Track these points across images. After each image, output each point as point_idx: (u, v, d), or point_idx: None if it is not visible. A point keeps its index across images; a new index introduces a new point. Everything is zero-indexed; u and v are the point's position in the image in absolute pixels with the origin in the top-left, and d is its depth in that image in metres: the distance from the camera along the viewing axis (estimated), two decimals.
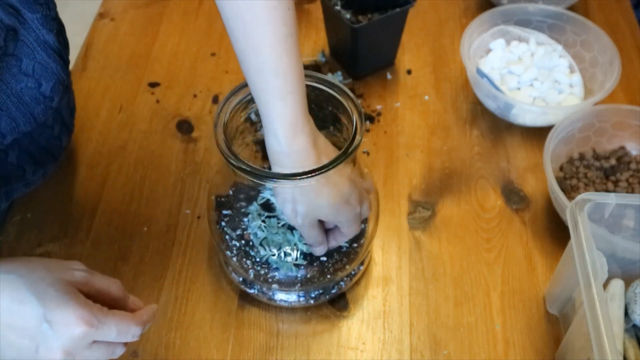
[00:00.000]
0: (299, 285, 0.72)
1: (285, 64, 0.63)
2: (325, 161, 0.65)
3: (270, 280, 0.72)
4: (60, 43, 0.72)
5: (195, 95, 0.98)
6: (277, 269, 0.71)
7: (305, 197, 0.66)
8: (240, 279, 0.76)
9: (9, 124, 0.69)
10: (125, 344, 0.58)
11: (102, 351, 0.56)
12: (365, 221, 0.74)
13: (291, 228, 0.71)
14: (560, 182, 0.83)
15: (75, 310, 0.53)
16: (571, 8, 1.07)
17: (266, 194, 0.71)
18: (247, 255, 0.72)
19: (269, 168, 0.77)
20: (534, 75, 0.95)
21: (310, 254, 0.71)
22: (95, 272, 0.59)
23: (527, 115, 0.91)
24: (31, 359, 0.53)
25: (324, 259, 0.72)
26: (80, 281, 0.56)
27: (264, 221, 0.71)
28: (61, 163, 0.87)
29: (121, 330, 0.55)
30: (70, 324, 0.53)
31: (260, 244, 0.71)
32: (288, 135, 0.64)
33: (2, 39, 0.65)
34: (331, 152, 0.68)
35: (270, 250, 0.70)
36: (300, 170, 0.63)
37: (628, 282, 0.70)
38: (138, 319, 0.57)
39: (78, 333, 0.53)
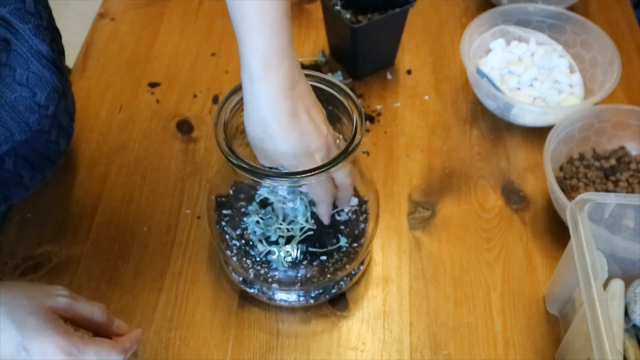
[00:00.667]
0: (299, 285, 0.72)
1: None
2: (302, 117, 0.62)
3: (270, 280, 0.72)
4: (54, 51, 0.71)
5: (195, 95, 0.98)
6: (277, 268, 0.71)
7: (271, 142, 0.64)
8: (240, 278, 0.76)
9: (4, 133, 0.68)
10: None
11: None
12: (365, 221, 0.74)
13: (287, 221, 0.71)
14: (560, 182, 0.83)
15: (54, 339, 0.53)
16: (571, 8, 1.07)
17: (263, 192, 0.71)
18: (247, 255, 0.71)
19: (269, 167, 0.77)
20: (534, 75, 0.95)
21: (310, 253, 0.71)
22: (78, 297, 0.59)
23: (527, 115, 0.91)
24: None
25: (324, 258, 0.72)
26: (62, 307, 0.56)
27: (262, 218, 0.71)
28: (61, 163, 0.87)
29: (101, 358, 0.55)
30: (48, 354, 0.53)
31: (259, 241, 0.71)
32: (259, 70, 0.61)
33: None
34: (311, 105, 0.64)
35: (265, 245, 0.70)
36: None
37: (628, 282, 0.70)
38: (120, 347, 0.57)
39: None
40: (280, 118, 0.62)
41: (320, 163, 0.64)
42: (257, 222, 0.71)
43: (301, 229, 0.70)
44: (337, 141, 0.68)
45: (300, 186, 0.67)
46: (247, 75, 0.62)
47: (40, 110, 0.71)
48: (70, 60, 0.95)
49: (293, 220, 0.70)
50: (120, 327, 0.60)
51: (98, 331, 0.58)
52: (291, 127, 0.62)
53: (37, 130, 0.74)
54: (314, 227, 0.70)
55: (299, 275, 0.71)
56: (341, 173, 0.68)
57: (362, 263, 0.77)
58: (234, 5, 0.63)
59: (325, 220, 0.70)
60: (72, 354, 0.53)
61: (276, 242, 0.70)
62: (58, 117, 0.80)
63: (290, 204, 0.70)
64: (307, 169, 0.64)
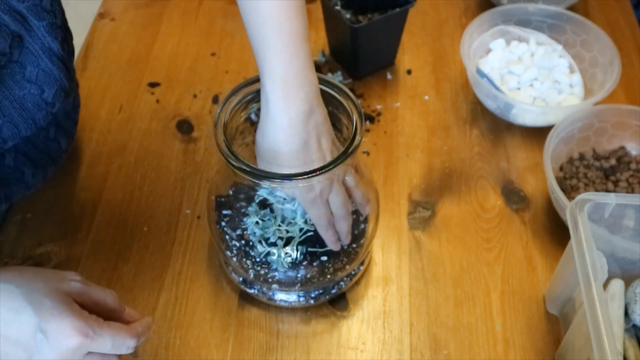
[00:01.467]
0: (299, 285, 0.72)
1: (285, 17, 0.61)
2: (312, 146, 0.63)
3: (270, 280, 0.72)
4: (65, 50, 0.72)
5: (195, 95, 0.98)
6: (277, 269, 0.71)
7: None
8: (240, 279, 0.76)
9: (11, 129, 0.69)
10: (120, 356, 0.58)
11: None
12: (365, 221, 0.74)
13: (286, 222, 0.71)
14: (560, 182, 0.83)
15: (71, 320, 0.53)
16: (571, 8, 1.07)
17: (262, 193, 0.71)
18: (247, 255, 0.72)
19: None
20: (534, 75, 0.95)
21: (309, 254, 0.71)
22: (91, 283, 0.59)
23: (527, 115, 0.91)
24: None
25: (324, 258, 0.72)
26: (76, 292, 0.56)
27: (262, 219, 0.71)
28: (61, 162, 0.87)
29: (116, 342, 0.55)
30: (65, 335, 0.53)
31: (259, 242, 0.71)
32: (278, 97, 0.62)
33: (7, 45, 0.65)
34: (323, 133, 0.65)
35: (265, 246, 0.70)
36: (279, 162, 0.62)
37: (628, 282, 0.70)
38: (133, 331, 0.57)
39: (73, 344, 0.53)
40: (291, 147, 0.63)
41: (319, 194, 0.65)
42: (257, 222, 0.71)
43: (300, 229, 0.70)
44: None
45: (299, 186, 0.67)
46: (265, 99, 0.63)
47: (47, 107, 0.71)
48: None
49: (292, 222, 0.70)
50: (131, 315, 0.60)
51: (110, 317, 0.57)
52: (300, 158, 0.64)
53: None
54: (312, 228, 0.70)
55: (299, 275, 0.71)
56: (347, 178, 0.69)
57: (362, 263, 0.77)
58: (253, 28, 0.63)
59: (333, 246, 0.70)
60: (89, 336, 0.53)
61: (275, 244, 0.70)
62: (56, 115, 0.80)
63: (289, 205, 0.70)
64: (308, 200, 0.65)
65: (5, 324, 0.52)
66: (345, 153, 0.64)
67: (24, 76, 0.68)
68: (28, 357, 0.53)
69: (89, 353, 0.55)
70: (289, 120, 0.62)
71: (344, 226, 0.70)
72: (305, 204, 0.67)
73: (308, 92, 0.63)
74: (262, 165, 0.66)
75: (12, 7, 0.65)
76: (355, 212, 0.74)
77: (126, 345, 0.56)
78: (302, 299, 0.75)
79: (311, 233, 0.70)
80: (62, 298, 0.55)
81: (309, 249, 0.71)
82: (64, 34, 0.73)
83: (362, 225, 0.74)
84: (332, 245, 0.70)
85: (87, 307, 0.56)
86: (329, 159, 0.65)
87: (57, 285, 0.56)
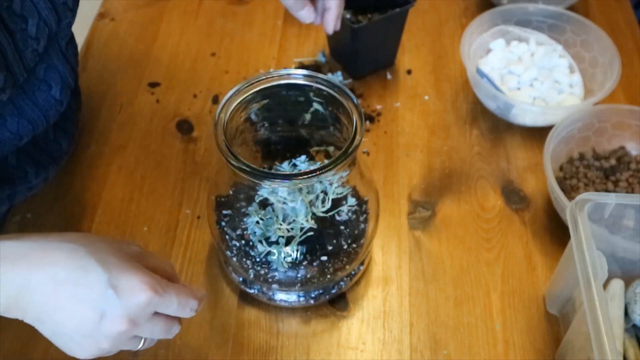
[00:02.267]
0: (299, 285, 0.72)
1: None
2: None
3: (270, 280, 0.72)
4: (69, 49, 0.72)
5: (195, 95, 0.98)
6: (277, 269, 0.71)
7: None
8: (240, 279, 0.76)
9: (26, 126, 0.70)
10: (180, 322, 0.58)
11: (162, 325, 0.56)
12: (365, 221, 0.74)
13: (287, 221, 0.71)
14: (560, 182, 0.83)
15: (140, 276, 0.53)
16: (571, 8, 1.07)
17: (263, 192, 0.71)
18: (247, 255, 0.72)
19: (269, 168, 0.77)
20: (534, 75, 0.95)
21: (310, 254, 0.71)
22: (149, 252, 0.58)
23: (527, 115, 0.91)
24: (93, 330, 0.52)
25: (324, 258, 0.72)
26: (136, 255, 0.56)
27: (262, 219, 0.71)
28: (63, 164, 0.87)
29: (181, 301, 0.55)
30: (135, 290, 0.52)
31: (259, 241, 0.71)
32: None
33: (44, 45, 0.65)
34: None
35: (265, 245, 0.70)
36: None
37: (628, 282, 0.70)
38: (194, 294, 0.57)
39: (143, 299, 0.52)
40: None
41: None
42: (257, 222, 0.71)
43: (301, 229, 0.70)
44: None
45: (300, 188, 0.67)
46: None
47: (56, 104, 0.72)
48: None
49: (293, 221, 0.70)
50: (186, 285, 0.60)
51: None
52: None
53: None
54: (315, 226, 0.69)
55: (299, 275, 0.72)
56: None
57: (362, 263, 0.77)
58: None
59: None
60: (157, 292, 0.53)
61: (276, 242, 0.70)
62: None
63: (291, 204, 0.70)
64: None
65: (74, 282, 0.52)
66: (345, 153, 0.64)
67: (35, 74, 0.68)
68: (98, 315, 0.52)
69: (155, 314, 0.55)
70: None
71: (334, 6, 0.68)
72: None
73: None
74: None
75: (54, 7, 0.66)
76: (355, 213, 0.74)
77: (189, 306, 0.56)
78: (302, 299, 0.75)
79: (312, 233, 0.70)
80: (126, 257, 0.54)
81: (310, 249, 0.71)
82: (71, 33, 0.73)
83: (362, 225, 0.74)
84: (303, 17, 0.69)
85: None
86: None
87: (118, 246, 0.56)
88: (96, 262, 0.52)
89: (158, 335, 0.56)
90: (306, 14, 0.71)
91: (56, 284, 0.52)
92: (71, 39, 0.74)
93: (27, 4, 0.63)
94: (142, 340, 0.57)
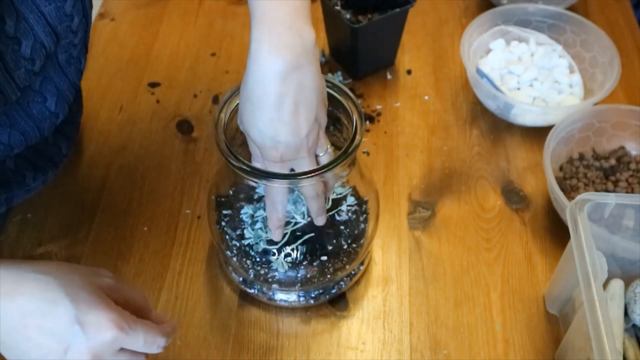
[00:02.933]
0: (299, 285, 0.72)
1: None
2: (286, 109, 0.59)
3: (270, 280, 0.72)
4: (72, 64, 0.72)
5: (195, 95, 0.98)
6: (277, 269, 0.71)
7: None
8: (240, 279, 0.76)
9: (19, 137, 0.69)
10: (146, 356, 0.58)
11: (128, 359, 0.56)
12: (365, 221, 0.74)
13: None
14: (560, 182, 0.83)
15: (108, 313, 0.53)
16: (571, 8, 1.07)
17: (261, 190, 0.71)
18: (247, 255, 0.72)
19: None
20: (533, 76, 0.95)
21: (309, 254, 0.71)
22: (122, 281, 0.59)
23: (527, 115, 0.91)
24: None
25: (324, 258, 0.72)
26: (108, 287, 0.57)
27: (260, 218, 0.71)
28: (62, 167, 0.87)
29: (148, 339, 0.56)
30: (101, 327, 0.53)
31: (257, 242, 0.71)
32: (263, 40, 0.58)
33: (40, 64, 0.65)
34: (304, 100, 0.60)
35: (263, 244, 0.70)
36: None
37: (628, 282, 0.70)
38: (163, 330, 0.58)
39: (109, 337, 0.53)
40: (263, 100, 0.60)
41: (281, 159, 0.61)
42: (257, 221, 0.71)
43: (295, 224, 0.70)
44: (327, 149, 0.66)
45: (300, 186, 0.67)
46: (251, 45, 0.59)
47: (51, 117, 0.71)
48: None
49: (291, 222, 0.70)
50: (157, 317, 0.61)
51: (138, 316, 0.58)
52: (268, 116, 0.60)
53: None
54: (310, 220, 0.69)
55: (299, 275, 0.72)
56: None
57: (362, 263, 0.77)
58: None
59: (319, 220, 0.69)
60: (124, 329, 0.53)
61: (275, 242, 0.70)
62: None
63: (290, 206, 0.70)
64: (268, 158, 0.62)
65: (42, 314, 0.52)
66: (346, 153, 0.64)
67: (29, 86, 0.68)
68: (63, 348, 0.52)
69: (121, 350, 0.55)
70: (267, 68, 0.58)
71: (314, 205, 0.68)
72: (268, 164, 0.64)
73: (297, 44, 0.58)
74: (238, 117, 0.63)
75: (53, 29, 0.65)
76: (355, 213, 0.74)
77: (157, 343, 0.57)
78: (302, 299, 0.75)
79: (312, 233, 0.70)
80: (97, 292, 0.55)
81: (310, 249, 0.71)
82: (80, 51, 0.72)
83: (362, 225, 0.74)
84: (319, 218, 0.68)
85: (119, 304, 0.56)
86: (303, 133, 0.61)
87: (92, 279, 0.56)
88: (65, 296, 0.53)
89: None
90: (278, 235, 0.70)
91: (24, 315, 0.52)
92: (78, 55, 0.72)
93: (22, 26, 0.62)
94: None
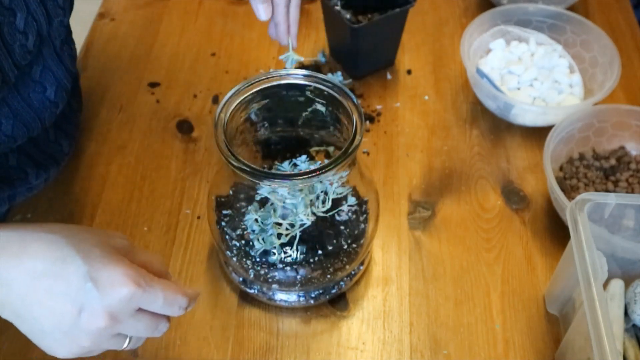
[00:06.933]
0: (299, 285, 0.72)
1: None
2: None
3: (270, 280, 0.72)
4: (64, 49, 0.72)
5: (195, 95, 0.98)
6: (277, 269, 0.71)
7: None
8: (240, 279, 0.76)
9: (21, 128, 0.69)
10: (169, 319, 0.54)
11: (147, 322, 0.52)
12: (365, 221, 0.74)
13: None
14: (560, 182, 0.83)
15: (122, 268, 0.50)
16: (571, 8, 1.07)
17: (263, 192, 0.71)
18: (247, 255, 0.72)
19: (269, 168, 0.77)
20: (533, 75, 0.95)
21: (309, 254, 0.71)
22: (136, 245, 0.55)
23: (527, 115, 0.91)
24: (72, 326, 0.50)
25: (324, 258, 0.72)
26: (123, 249, 0.53)
27: (260, 216, 0.71)
28: (64, 165, 0.87)
29: (168, 298, 0.52)
30: (116, 283, 0.49)
31: (257, 239, 0.70)
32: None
33: (33, 42, 0.65)
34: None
35: (262, 243, 0.70)
36: None
37: (628, 282, 0.70)
38: (184, 291, 0.53)
39: (124, 293, 0.49)
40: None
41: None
42: (256, 219, 0.70)
43: (301, 225, 0.70)
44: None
45: (301, 189, 0.67)
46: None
47: (51, 106, 0.71)
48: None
49: (292, 224, 0.70)
50: (177, 283, 0.56)
51: None
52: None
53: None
54: (314, 219, 0.69)
55: (299, 275, 0.72)
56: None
57: (362, 263, 0.77)
58: None
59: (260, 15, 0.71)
60: (141, 285, 0.50)
61: (276, 238, 0.70)
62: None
63: (290, 201, 0.70)
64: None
65: (52, 274, 0.49)
66: (345, 153, 0.64)
67: (30, 75, 0.68)
68: (76, 310, 0.49)
69: (139, 310, 0.51)
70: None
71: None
72: None
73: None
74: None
75: (43, 4, 0.65)
76: (355, 213, 0.74)
77: (178, 303, 0.52)
78: (302, 299, 0.75)
79: (312, 232, 0.70)
80: (110, 250, 0.51)
81: (309, 249, 0.71)
82: (66, 34, 0.73)
83: (362, 225, 0.74)
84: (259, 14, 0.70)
85: None
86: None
87: (105, 239, 0.53)
88: (76, 254, 0.50)
89: (143, 333, 0.53)
90: (263, 10, 0.71)
91: (34, 277, 0.49)
92: (67, 40, 0.74)
93: None
94: (127, 339, 0.54)
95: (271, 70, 0.93)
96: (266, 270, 0.72)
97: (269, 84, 0.70)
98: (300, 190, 0.68)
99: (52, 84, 0.71)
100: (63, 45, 0.72)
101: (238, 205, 0.73)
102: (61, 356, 0.52)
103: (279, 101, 0.73)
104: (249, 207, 0.71)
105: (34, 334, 0.51)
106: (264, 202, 0.71)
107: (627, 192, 0.84)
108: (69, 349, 0.51)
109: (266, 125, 0.77)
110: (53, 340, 0.51)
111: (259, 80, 0.70)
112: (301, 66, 1.02)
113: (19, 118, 0.68)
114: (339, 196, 0.72)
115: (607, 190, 0.84)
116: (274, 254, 0.70)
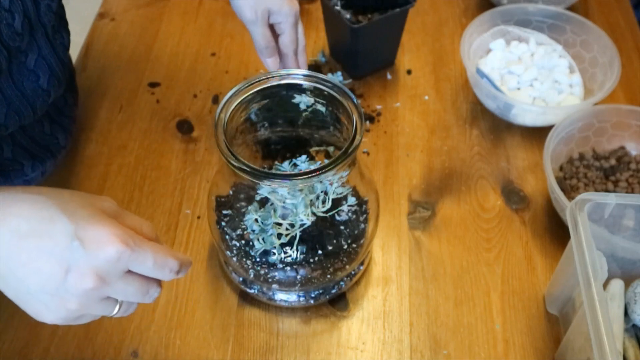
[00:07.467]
0: (299, 285, 0.72)
1: None
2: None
3: (270, 280, 0.72)
4: (57, 38, 0.72)
5: (195, 95, 0.98)
6: (277, 269, 0.71)
7: None
8: (240, 279, 0.76)
9: (13, 116, 0.70)
10: (160, 284, 0.53)
11: (137, 286, 0.50)
12: (365, 221, 0.74)
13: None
14: (560, 182, 0.83)
15: (110, 227, 0.48)
16: (571, 8, 1.07)
17: (263, 192, 0.71)
18: (247, 255, 0.72)
19: (269, 168, 0.77)
20: (533, 75, 0.95)
21: (309, 254, 0.71)
22: (126, 210, 0.54)
23: (527, 115, 0.91)
24: (58, 287, 0.48)
25: (324, 258, 0.72)
26: (111, 212, 0.51)
27: (260, 216, 0.71)
28: (61, 162, 0.87)
29: (158, 260, 0.50)
30: (103, 242, 0.48)
31: (257, 239, 0.70)
32: None
33: (20, 23, 0.64)
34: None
35: (262, 243, 0.70)
36: None
37: (628, 282, 0.70)
38: (175, 254, 0.52)
39: (112, 252, 0.47)
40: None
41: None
42: (256, 219, 0.70)
43: (301, 225, 0.70)
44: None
45: (301, 189, 0.67)
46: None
47: (43, 94, 0.71)
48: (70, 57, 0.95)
49: (292, 224, 0.70)
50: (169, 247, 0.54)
51: None
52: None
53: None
54: (314, 219, 0.69)
55: (299, 275, 0.71)
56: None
57: (362, 263, 0.77)
58: None
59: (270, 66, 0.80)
60: (129, 245, 0.48)
61: (276, 238, 0.70)
62: (48, 110, 0.80)
63: (290, 201, 0.70)
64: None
65: (38, 234, 0.47)
66: (345, 153, 0.64)
67: (24, 64, 0.68)
68: (63, 270, 0.47)
69: (129, 272, 0.50)
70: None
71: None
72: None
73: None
74: None
75: None
76: (355, 213, 0.74)
77: (168, 266, 0.50)
78: (302, 299, 0.75)
79: (312, 231, 0.70)
80: (97, 211, 0.50)
81: (309, 249, 0.71)
82: (58, 20, 0.73)
83: (362, 225, 0.74)
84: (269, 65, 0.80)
85: None
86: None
87: (92, 201, 0.51)
88: (62, 213, 0.48)
89: (133, 297, 0.51)
90: (272, 63, 0.80)
91: (19, 237, 0.48)
92: (59, 28, 0.74)
93: None
94: (117, 305, 0.52)
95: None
96: (266, 270, 0.72)
97: (269, 84, 0.70)
98: (300, 190, 0.68)
99: (45, 72, 0.71)
100: (55, 33, 0.72)
101: (238, 205, 0.73)
102: (49, 321, 0.50)
103: (279, 101, 0.73)
104: (249, 207, 0.71)
105: (19, 297, 0.50)
106: (264, 202, 0.71)
107: (627, 192, 0.84)
108: (56, 312, 0.49)
109: (266, 125, 0.77)
110: (39, 302, 0.49)
111: (259, 80, 0.70)
112: None
113: (11, 106, 0.69)
114: (339, 196, 0.72)
115: (607, 190, 0.84)
116: (274, 254, 0.70)
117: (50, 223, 0.48)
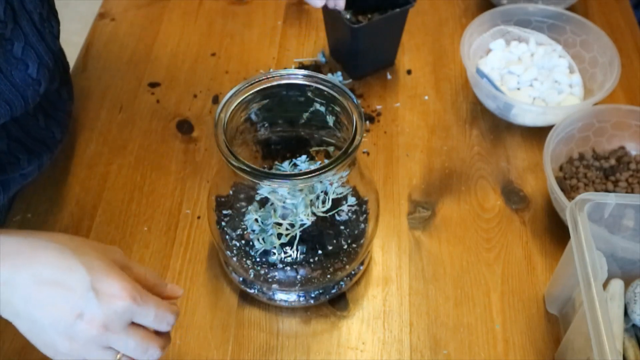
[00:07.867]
0: (299, 285, 0.72)
1: None
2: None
3: (270, 280, 0.72)
4: (44, 25, 0.72)
5: (195, 95, 0.98)
6: (277, 269, 0.71)
7: None
8: (240, 279, 0.76)
9: (4, 107, 0.70)
10: (163, 348, 0.58)
11: (137, 341, 0.56)
12: (365, 221, 0.74)
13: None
14: (560, 182, 0.84)
15: (121, 281, 0.54)
16: (571, 8, 1.07)
17: (263, 192, 0.71)
18: (247, 255, 0.72)
19: (269, 168, 0.77)
20: (533, 76, 0.95)
21: (310, 254, 0.71)
22: (132, 260, 0.60)
23: (527, 115, 0.91)
24: (67, 328, 0.53)
25: (324, 258, 0.72)
26: (120, 262, 0.58)
27: (260, 215, 0.71)
28: (61, 162, 0.87)
29: (159, 315, 0.56)
30: (114, 296, 0.54)
31: (257, 239, 0.71)
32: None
33: (2, 10, 0.64)
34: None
35: (262, 243, 0.70)
36: None
37: (628, 282, 0.70)
38: (173, 308, 0.58)
39: (121, 306, 0.54)
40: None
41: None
42: (256, 219, 0.70)
43: (301, 225, 0.70)
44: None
45: (301, 189, 0.67)
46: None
47: (33, 84, 0.72)
48: (70, 60, 0.95)
49: (292, 224, 0.70)
50: (174, 290, 0.61)
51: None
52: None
53: (23, 113, 0.74)
54: (314, 219, 0.69)
55: (299, 275, 0.72)
56: None
57: (362, 263, 0.77)
58: None
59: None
60: (136, 300, 0.54)
61: (277, 237, 0.70)
62: (42, 104, 0.80)
63: (291, 202, 0.70)
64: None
65: (58, 281, 0.53)
66: (345, 153, 0.64)
67: (11, 52, 0.68)
68: (76, 315, 0.53)
69: (132, 326, 0.55)
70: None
71: None
72: None
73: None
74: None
75: None
76: (355, 213, 0.74)
77: (167, 320, 0.57)
78: (302, 299, 0.75)
79: (311, 231, 0.70)
80: (110, 263, 0.56)
81: (309, 249, 0.71)
82: (47, 10, 0.73)
83: (362, 225, 0.74)
84: None
85: None
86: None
87: (104, 252, 0.57)
88: (81, 265, 0.54)
89: (132, 352, 0.56)
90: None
91: (39, 283, 0.53)
92: (48, 17, 0.74)
93: None
94: (117, 356, 0.57)
95: (271, 70, 0.93)
96: (266, 270, 0.72)
97: (269, 84, 0.70)
98: (301, 190, 0.68)
99: (34, 60, 0.71)
100: (44, 22, 0.72)
101: (238, 205, 0.73)
102: (53, 357, 0.56)
103: (279, 101, 0.73)
104: (249, 207, 0.71)
105: (32, 332, 0.55)
106: (264, 202, 0.71)
107: (627, 192, 0.84)
108: (62, 349, 0.55)
109: (266, 125, 0.77)
110: (48, 337, 0.55)
111: (259, 80, 0.70)
112: (301, 66, 1.02)
113: (2, 96, 0.69)
114: (339, 196, 0.72)
115: (607, 190, 0.84)
116: (274, 254, 0.70)
117: (70, 272, 0.54)
